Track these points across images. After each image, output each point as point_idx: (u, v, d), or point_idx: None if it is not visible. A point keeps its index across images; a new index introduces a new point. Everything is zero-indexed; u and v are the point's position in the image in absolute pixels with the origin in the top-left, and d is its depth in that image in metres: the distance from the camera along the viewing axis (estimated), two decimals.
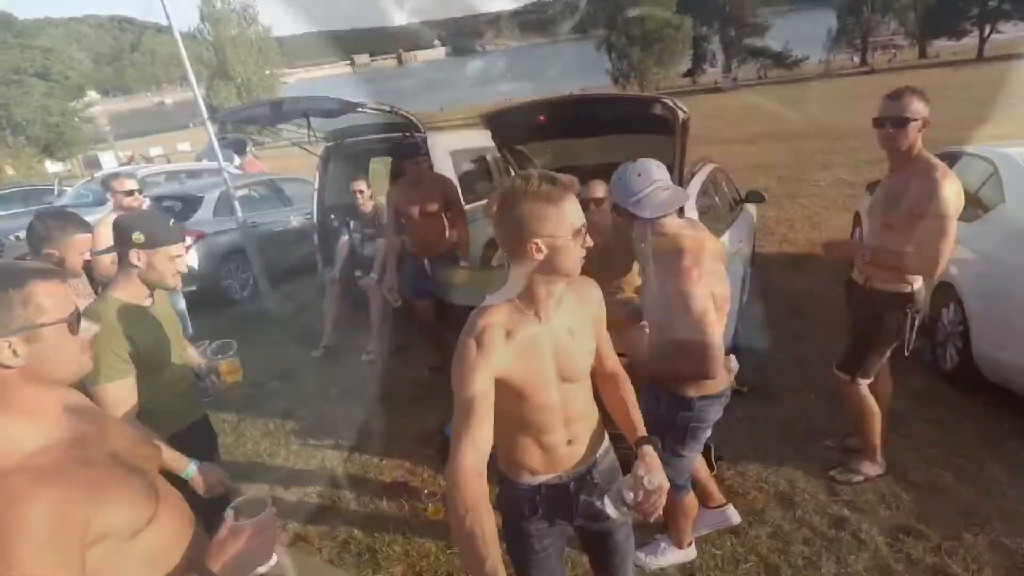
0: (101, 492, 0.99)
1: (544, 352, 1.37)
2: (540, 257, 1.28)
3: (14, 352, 0.98)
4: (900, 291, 2.55)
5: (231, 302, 6.56)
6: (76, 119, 34.86)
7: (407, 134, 5.05)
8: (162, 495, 1.14)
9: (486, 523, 1.15)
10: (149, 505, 1.08)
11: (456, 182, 5.30)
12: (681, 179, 3.55)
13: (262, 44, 37.06)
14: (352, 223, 4.91)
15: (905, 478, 2.81)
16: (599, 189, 3.20)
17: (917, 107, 2.38)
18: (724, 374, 1.98)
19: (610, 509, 1.44)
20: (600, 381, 1.62)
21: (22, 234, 7.92)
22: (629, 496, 1.40)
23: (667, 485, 1.42)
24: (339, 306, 5.05)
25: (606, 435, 1.61)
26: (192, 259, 6.08)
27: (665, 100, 3.12)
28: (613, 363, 1.62)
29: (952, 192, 2.30)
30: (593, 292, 1.51)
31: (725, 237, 4.08)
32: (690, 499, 2.33)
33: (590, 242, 1.35)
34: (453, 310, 4.34)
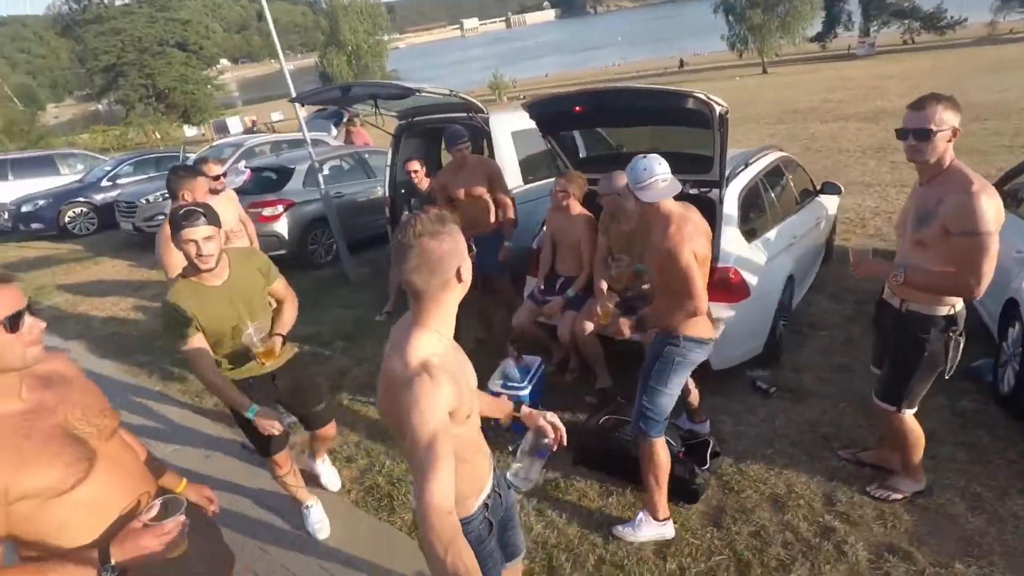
0: (24, 463, 1.25)
1: (466, 372, 1.47)
2: (463, 281, 1.38)
3: None
4: (941, 313, 2.40)
5: (316, 266, 7.20)
6: (209, 86, 38.19)
7: (470, 115, 5.27)
8: (105, 459, 1.38)
9: (466, 555, 1.16)
10: (76, 471, 1.31)
11: (516, 163, 5.50)
12: (722, 173, 3.52)
13: (371, 11, 38.35)
14: (412, 200, 5.24)
15: (912, 500, 2.73)
16: (622, 180, 3.30)
17: (944, 116, 2.21)
18: (709, 323, 2.57)
19: (520, 483, 1.69)
20: None
21: (151, 198, 9.12)
22: (547, 442, 1.67)
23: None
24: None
25: None
26: (282, 226, 6.74)
27: (698, 95, 3.10)
28: None
29: (991, 205, 2.14)
30: None
31: (771, 233, 3.99)
32: (662, 448, 2.57)
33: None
34: (498, 287, 4.61)
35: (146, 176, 11.24)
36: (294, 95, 5.74)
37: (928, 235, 2.29)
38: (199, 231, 2.20)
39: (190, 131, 40.20)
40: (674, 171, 2.44)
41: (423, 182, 5.08)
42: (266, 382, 2.62)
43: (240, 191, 5.63)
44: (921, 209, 2.33)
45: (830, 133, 12.80)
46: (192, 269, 2.32)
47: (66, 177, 12.28)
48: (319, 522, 2.92)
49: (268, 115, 34.94)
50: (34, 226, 10.75)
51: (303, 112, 6.57)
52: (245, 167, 7.22)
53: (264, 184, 7.13)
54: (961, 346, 2.42)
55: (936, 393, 2.81)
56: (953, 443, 3.08)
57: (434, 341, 1.37)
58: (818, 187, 5.27)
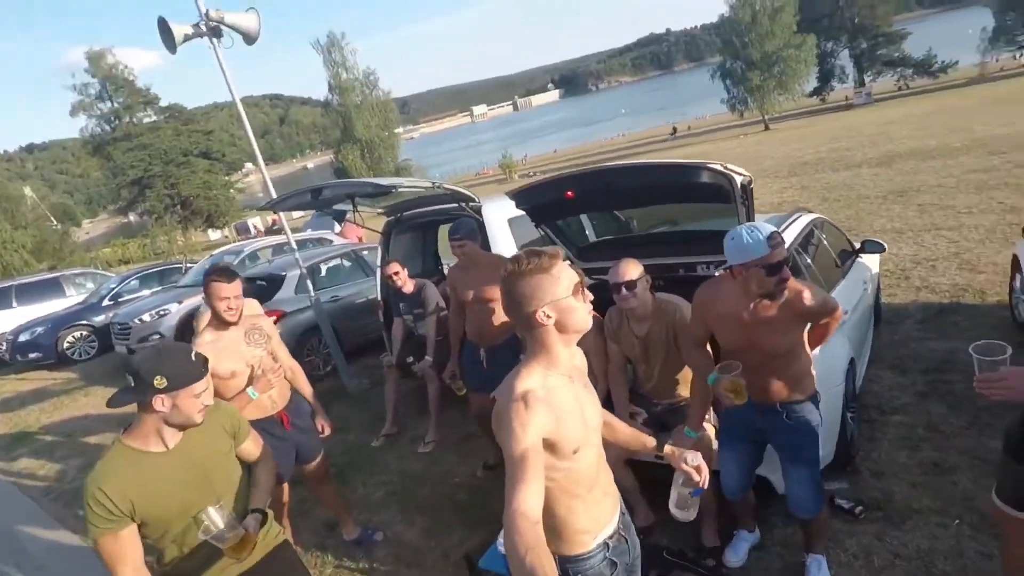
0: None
1: (579, 409, 1.46)
2: (550, 323, 1.40)
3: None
4: None
5: (314, 379, 6.48)
6: (231, 190, 39.65)
7: (462, 205, 4.83)
8: None
9: (546, 560, 1.16)
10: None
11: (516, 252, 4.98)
12: None
13: (382, 107, 39.96)
14: (402, 304, 4.72)
15: None
16: (632, 270, 2.69)
17: None
18: None
19: (680, 515, 1.79)
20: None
21: (146, 317, 8.75)
22: (695, 482, 1.70)
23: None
24: (399, 392, 4.84)
25: None
26: None
27: (713, 166, 2.57)
28: None
29: None
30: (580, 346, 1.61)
31: None
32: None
33: (590, 295, 1.44)
34: None
35: (151, 291, 10.91)
36: (272, 200, 5.40)
37: None
38: (207, 380, 1.78)
39: (214, 234, 41.33)
40: (695, 252, 2.30)
41: (407, 284, 4.56)
42: None
43: None
44: None
45: (844, 181, 12.51)
46: (148, 434, 1.74)
47: (73, 299, 12.07)
48: None
49: (289, 213, 35.93)
50: (32, 356, 10.27)
51: (300, 212, 6.22)
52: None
53: (257, 294, 6.68)
54: None
55: None
56: None
57: (539, 376, 1.41)
58: (857, 246, 4.63)
